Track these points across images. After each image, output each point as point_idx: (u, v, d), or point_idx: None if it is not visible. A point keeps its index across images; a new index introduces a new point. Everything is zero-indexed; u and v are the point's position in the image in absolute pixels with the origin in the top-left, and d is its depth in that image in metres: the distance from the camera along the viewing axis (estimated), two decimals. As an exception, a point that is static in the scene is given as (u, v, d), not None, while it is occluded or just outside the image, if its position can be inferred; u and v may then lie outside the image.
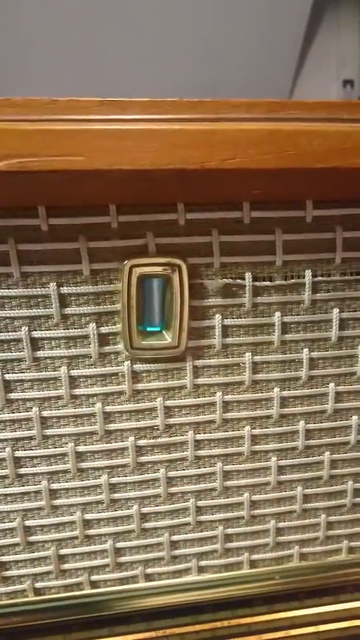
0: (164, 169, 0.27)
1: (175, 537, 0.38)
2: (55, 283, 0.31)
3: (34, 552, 0.36)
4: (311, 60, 1.12)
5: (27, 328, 0.31)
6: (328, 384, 0.36)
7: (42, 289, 0.31)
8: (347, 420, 0.37)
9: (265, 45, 1.04)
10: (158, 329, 0.33)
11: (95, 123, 0.26)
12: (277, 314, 0.34)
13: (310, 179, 0.29)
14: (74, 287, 0.31)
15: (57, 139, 0.25)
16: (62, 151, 0.25)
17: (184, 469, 0.36)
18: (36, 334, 0.31)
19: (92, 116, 0.26)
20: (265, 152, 0.27)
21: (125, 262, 0.31)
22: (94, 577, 0.38)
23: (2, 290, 0.30)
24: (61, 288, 0.31)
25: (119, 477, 0.35)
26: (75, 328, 0.32)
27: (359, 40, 1.07)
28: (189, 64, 0.95)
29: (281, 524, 0.39)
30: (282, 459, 0.37)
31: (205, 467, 0.36)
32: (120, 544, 0.37)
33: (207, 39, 0.94)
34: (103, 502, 0.36)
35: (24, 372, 0.32)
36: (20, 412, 0.33)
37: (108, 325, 0.32)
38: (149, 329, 0.33)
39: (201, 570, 0.39)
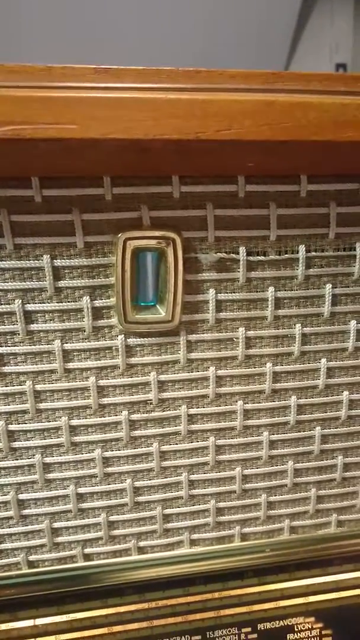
0: (158, 139, 0.26)
1: (167, 511, 0.38)
2: (48, 255, 0.31)
3: (27, 526, 0.36)
4: (304, 44, 1.11)
5: (20, 301, 0.31)
6: (320, 359, 0.36)
7: (36, 261, 0.31)
8: (338, 395, 0.38)
9: (258, 31, 1.03)
10: (152, 303, 0.33)
11: (89, 91, 0.26)
12: (271, 289, 0.34)
13: (305, 151, 0.29)
14: (67, 260, 0.31)
15: (51, 107, 0.25)
16: (56, 119, 0.25)
17: (176, 443, 0.36)
18: (30, 306, 0.31)
19: (86, 84, 0.26)
20: (261, 123, 0.27)
21: (120, 235, 0.31)
22: (88, 550, 0.38)
23: (-7, 263, 0.30)
24: (55, 260, 0.31)
25: (113, 451, 0.36)
26: (68, 301, 0.32)
27: (352, 24, 1.06)
28: (182, 45, 0.94)
29: (272, 498, 0.40)
30: (273, 434, 0.38)
31: (197, 442, 0.37)
32: (113, 517, 0.37)
33: (203, 32, 0.93)
34: (96, 476, 0.36)
35: (17, 345, 0.32)
36: (13, 385, 0.33)
37: (102, 299, 0.32)
38: (142, 303, 0.33)
39: (193, 543, 0.40)
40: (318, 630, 0.43)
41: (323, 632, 0.43)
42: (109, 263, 0.31)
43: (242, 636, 0.42)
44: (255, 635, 0.42)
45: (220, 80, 0.28)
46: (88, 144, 0.26)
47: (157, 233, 0.31)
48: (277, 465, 0.39)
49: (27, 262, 0.30)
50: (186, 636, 0.41)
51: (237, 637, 0.41)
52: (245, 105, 0.27)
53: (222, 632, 0.41)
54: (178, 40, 0.95)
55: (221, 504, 0.39)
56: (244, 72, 0.28)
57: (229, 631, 0.41)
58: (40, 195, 0.29)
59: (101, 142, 0.26)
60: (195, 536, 0.39)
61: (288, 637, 0.42)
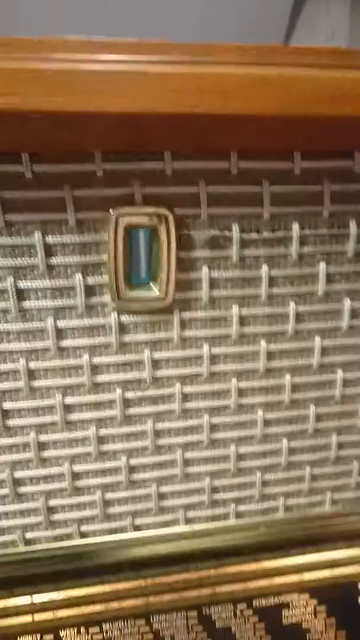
0: (151, 112, 0.26)
1: (163, 489, 0.38)
2: (40, 232, 0.30)
3: (23, 504, 0.36)
4: (299, 31, 1.10)
5: (12, 278, 0.31)
6: (314, 338, 0.36)
7: (27, 238, 0.30)
8: (332, 374, 0.38)
9: (253, 19, 1.02)
10: (145, 281, 0.33)
11: (81, 63, 0.26)
12: (264, 267, 0.34)
13: (300, 127, 0.29)
14: (59, 237, 0.31)
15: (42, 79, 0.25)
16: (46, 92, 0.25)
17: (171, 422, 0.37)
18: (22, 284, 0.31)
19: (79, 56, 0.26)
20: (256, 98, 0.27)
21: (112, 212, 0.30)
22: (84, 528, 0.38)
23: (-16, 239, 0.30)
24: (46, 237, 0.31)
25: (107, 429, 0.36)
26: (61, 279, 0.32)
27: (348, 12, 1.04)
28: (178, 26, 0.93)
29: (267, 477, 0.40)
30: (268, 412, 0.38)
31: (192, 420, 0.37)
32: (109, 496, 0.38)
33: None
34: (91, 454, 0.36)
35: (9, 323, 0.32)
36: (7, 363, 0.33)
37: (94, 276, 0.32)
38: (135, 281, 0.33)
39: (189, 521, 0.40)
40: (313, 606, 0.43)
41: (317, 609, 0.43)
42: (101, 240, 0.31)
43: (238, 612, 0.42)
44: (250, 612, 0.42)
45: (216, 54, 0.27)
46: (79, 118, 0.26)
47: (149, 210, 0.31)
48: (271, 444, 0.39)
49: (19, 239, 0.30)
50: (182, 612, 0.41)
51: (232, 614, 0.42)
52: (241, 79, 0.27)
53: (218, 609, 0.42)
54: (175, 20, 0.94)
55: (216, 482, 0.39)
56: (238, 46, 0.28)
57: (225, 607, 0.42)
58: (30, 171, 0.29)
59: (93, 115, 0.26)
60: (190, 514, 0.40)
61: (283, 613, 0.43)
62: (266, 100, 0.27)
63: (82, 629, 0.39)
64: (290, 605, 0.43)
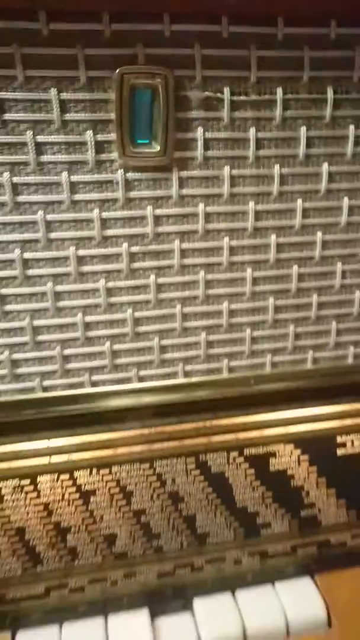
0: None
1: (164, 342, 0.43)
2: (55, 89, 0.34)
3: (41, 351, 0.41)
4: None
5: (31, 132, 0.35)
6: (296, 200, 0.41)
7: (44, 93, 0.35)
8: (312, 236, 0.43)
9: None
10: (146, 141, 0.37)
11: None
12: (252, 129, 0.38)
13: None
14: (72, 94, 0.35)
15: None
16: None
17: (171, 277, 0.41)
18: (39, 138, 0.35)
19: None
20: None
21: (118, 70, 0.35)
22: (94, 378, 0.43)
23: (7, 93, 0.34)
24: (61, 94, 0.35)
25: (115, 281, 0.40)
26: (74, 134, 0.36)
27: None
28: None
29: (255, 333, 0.45)
30: (256, 270, 0.43)
31: (189, 275, 0.42)
32: (116, 346, 0.43)
33: None
34: (101, 306, 0.41)
35: (29, 176, 0.36)
36: (26, 215, 0.37)
37: (103, 134, 0.36)
38: (139, 141, 0.37)
39: (187, 374, 0.45)
40: (297, 456, 0.49)
41: (301, 458, 0.49)
42: (109, 98, 0.36)
43: (231, 460, 0.48)
44: (242, 459, 0.48)
45: None
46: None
47: (151, 68, 0.35)
48: (259, 302, 0.44)
49: (37, 94, 0.34)
50: (182, 457, 0.46)
51: (226, 460, 0.47)
52: None
53: (213, 456, 0.47)
54: None
55: (211, 337, 0.44)
56: None
57: (219, 455, 0.47)
58: (47, 28, 0.33)
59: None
60: (188, 367, 0.45)
61: (271, 461, 0.48)
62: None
63: (94, 470, 0.45)
64: (277, 454, 0.48)
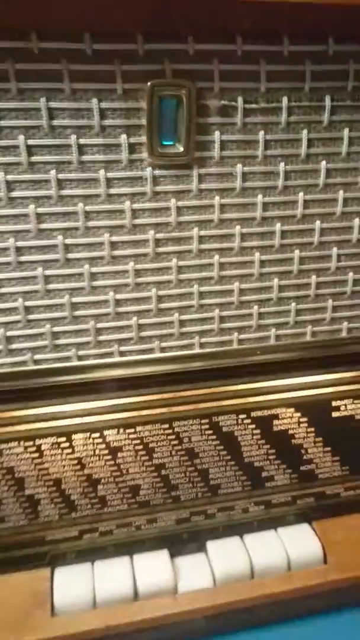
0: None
1: (183, 317, 0.50)
2: (96, 99, 0.41)
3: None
4: None
5: (75, 136, 0.41)
6: (298, 193, 0.48)
7: (87, 103, 0.41)
8: (311, 224, 0.49)
9: None
10: (171, 142, 0.44)
11: None
12: (261, 132, 0.45)
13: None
14: (110, 103, 0.41)
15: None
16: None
17: (189, 260, 0.48)
18: (82, 140, 0.42)
19: None
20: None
21: (149, 83, 0.41)
22: (122, 348, 0.50)
23: (56, 103, 0.40)
24: (101, 103, 0.41)
25: (142, 264, 0.47)
26: (111, 137, 0.42)
27: None
28: None
29: (262, 310, 0.51)
30: (263, 254, 0.49)
31: (205, 259, 0.48)
32: (142, 321, 0.49)
33: None
34: (130, 285, 0.47)
35: (72, 173, 0.42)
36: (68, 206, 0.43)
37: (135, 137, 0.43)
38: (165, 142, 0.44)
39: (202, 346, 0.52)
40: (297, 418, 0.56)
41: (300, 420, 0.56)
42: (140, 107, 0.42)
43: (239, 421, 0.54)
44: (249, 420, 0.54)
45: None
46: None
47: (177, 81, 0.41)
48: (265, 282, 0.50)
49: (80, 103, 0.41)
50: (197, 419, 0.53)
51: (235, 421, 0.54)
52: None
53: (224, 417, 0.54)
54: None
55: (223, 313, 0.51)
56: None
57: (230, 417, 0.54)
58: (91, 48, 0.39)
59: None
60: (203, 340, 0.51)
61: (274, 423, 0.55)
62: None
63: (121, 430, 0.51)
64: (280, 416, 0.55)
